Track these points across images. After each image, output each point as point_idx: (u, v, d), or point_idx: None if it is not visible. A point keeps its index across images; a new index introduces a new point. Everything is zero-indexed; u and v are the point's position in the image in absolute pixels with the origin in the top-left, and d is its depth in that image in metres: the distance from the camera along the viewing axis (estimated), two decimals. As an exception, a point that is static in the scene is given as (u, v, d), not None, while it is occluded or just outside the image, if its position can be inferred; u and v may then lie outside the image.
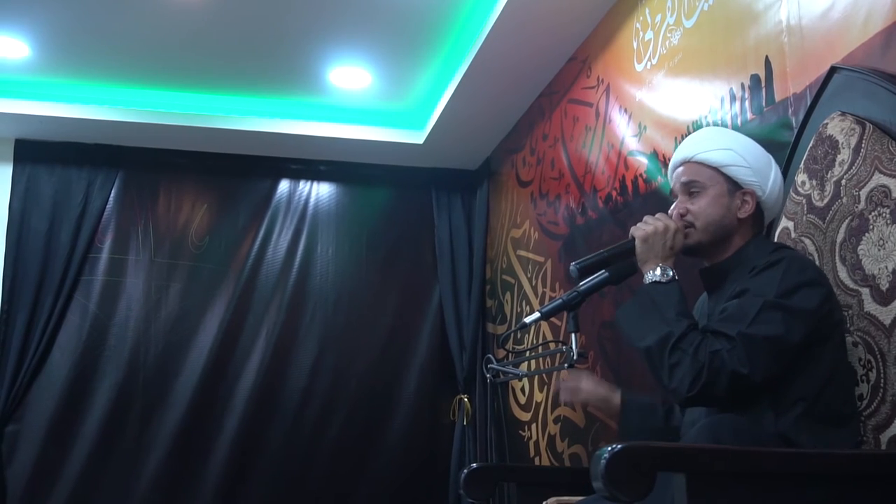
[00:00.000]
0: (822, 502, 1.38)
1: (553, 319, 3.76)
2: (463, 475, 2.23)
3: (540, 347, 3.79)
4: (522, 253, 4.38)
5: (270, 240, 4.91)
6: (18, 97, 4.40)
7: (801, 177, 2.00)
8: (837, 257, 1.83)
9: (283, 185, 5.02)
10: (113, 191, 4.77)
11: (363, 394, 4.81)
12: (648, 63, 3.10)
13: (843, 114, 1.91)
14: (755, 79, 2.43)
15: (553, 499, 2.13)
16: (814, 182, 1.95)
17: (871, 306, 1.72)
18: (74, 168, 4.71)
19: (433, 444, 4.84)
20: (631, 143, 3.21)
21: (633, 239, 1.86)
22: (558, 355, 3.53)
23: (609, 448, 1.26)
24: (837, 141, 1.89)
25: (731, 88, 2.55)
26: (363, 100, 4.57)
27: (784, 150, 2.14)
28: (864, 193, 1.78)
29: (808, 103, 2.09)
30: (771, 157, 1.92)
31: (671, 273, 1.77)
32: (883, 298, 1.69)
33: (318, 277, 4.93)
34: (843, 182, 1.85)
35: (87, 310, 4.61)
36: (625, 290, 2.17)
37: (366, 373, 4.84)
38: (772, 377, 1.61)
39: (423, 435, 4.83)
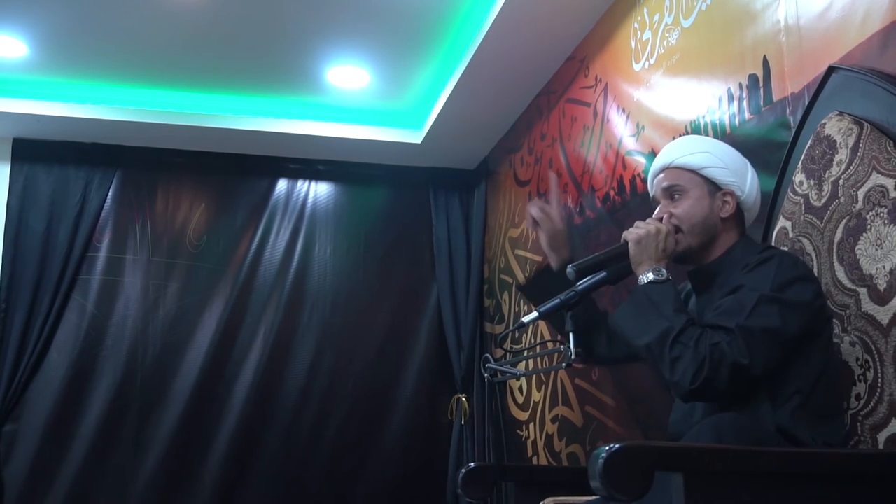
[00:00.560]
0: (820, 501, 1.38)
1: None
2: (461, 475, 2.23)
3: (538, 347, 3.79)
4: (520, 252, 4.38)
5: (268, 239, 4.91)
6: (16, 96, 4.40)
7: (798, 176, 2.01)
8: (835, 257, 1.83)
9: (281, 185, 5.02)
10: (111, 190, 4.76)
11: (361, 393, 4.81)
12: (646, 63, 3.10)
13: (841, 114, 1.91)
14: (753, 78, 2.43)
15: (551, 499, 2.13)
16: (811, 182, 1.96)
17: (868, 306, 1.72)
18: (72, 167, 4.71)
19: (431, 443, 4.84)
20: (629, 142, 3.21)
21: (626, 242, 1.88)
22: (556, 355, 3.53)
23: (607, 448, 1.27)
24: (835, 141, 1.90)
25: (729, 88, 2.55)
26: (361, 99, 4.56)
27: (782, 149, 2.15)
28: (861, 193, 1.78)
29: (806, 103, 2.09)
30: (747, 160, 1.97)
31: (665, 273, 1.81)
32: (880, 298, 1.70)
33: (316, 277, 4.92)
34: (841, 182, 1.85)
35: (85, 309, 4.60)
36: (622, 290, 2.17)
37: (364, 372, 4.84)
38: (770, 369, 1.64)
39: (421, 434, 4.83)
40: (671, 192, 1.91)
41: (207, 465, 4.56)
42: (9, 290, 4.49)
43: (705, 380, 1.60)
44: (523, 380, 4.17)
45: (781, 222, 2.05)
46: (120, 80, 4.37)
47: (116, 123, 4.51)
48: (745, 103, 2.47)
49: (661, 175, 1.95)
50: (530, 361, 3.75)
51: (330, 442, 4.72)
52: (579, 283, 1.96)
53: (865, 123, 1.83)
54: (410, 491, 4.75)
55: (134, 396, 4.57)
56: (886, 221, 1.70)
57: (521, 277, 4.35)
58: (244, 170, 4.96)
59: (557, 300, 1.95)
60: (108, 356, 4.58)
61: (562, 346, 1.99)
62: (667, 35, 2.95)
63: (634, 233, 1.87)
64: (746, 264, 1.75)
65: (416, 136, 4.79)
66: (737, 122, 2.50)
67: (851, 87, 1.93)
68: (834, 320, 1.80)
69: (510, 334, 4.01)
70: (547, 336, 3.85)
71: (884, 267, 1.69)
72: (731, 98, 2.54)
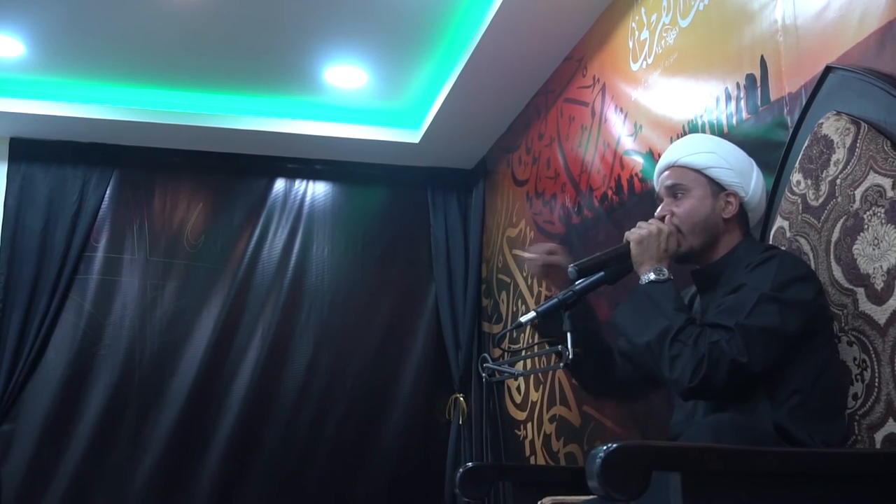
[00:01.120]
0: (817, 501, 1.39)
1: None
2: (458, 474, 2.23)
3: (535, 347, 3.79)
4: (518, 252, 4.38)
5: (266, 239, 4.91)
6: (13, 96, 4.39)
7: (796, 176, 2.01)
8: (832, 257, 1.84)
9: (279, 185, 5.01)
10: (108, 189, 4.76)
11: (359, 393, 4.81)
12: (644, 62, 3.10)
13: (839, 113, 1.92)
14: (750, 78, 2.43)
15: (549, 498, 2.13)
16: (809, 181, 1.96)
17: (865, 306, 1.73)
18: (70, 167, 4.71)
19: (429, 443, 4.84)
20: (627, 142, 3.22)
21: (629, 242, 1.88)
22: (554, 355, 3.53)
23: (604, 447, 1.27)
24: (832, 140, 1.90)
25: (727, 88, 2.55)
26: (359, 99, 4.56)
27: (779, 149, 2.15)
28: (858, 193, 1.78)
29: (804, 103, 2.09)
30: (752, 160, 1.97)
31: (666, 273, 1.81)
32: (878, 298, 1.70)
33: (313, 277, 4.92)
34: (838, 181, 1.85)
35: (83, 309, 4.60)
36: (620, 289, 2.17)
37: (362, 372, 4.84)
38: (769, 368, 1.65)
39: (419, 434, 4.83)
40: (674, 191, 1.92)
41: (205, 465, 4.56)
42: (6, 289, 4.49)
43: (704, 377, 1.61)
44: (521, 379, 4.17)
45: (779, 222, 2.05)
46: (117, 79, 4.37)
47: (114, 123, 4.51)
48: (742, 103, 2.47)
49: (666, 173, 1.95)
50: (528, 361, 3.75)
51: (328, 441, 4.72)
52: (577, 282, 1.96)
53: (863, 123, 1.83)
54: (408, 490, 4.75)
55: (132, 396, 4.56)
56: (884, 221, 1.70)
57: (518, 277, 4.35)
58: (242, 169, 4.96)
59: (555, 299, 1.95)
60: (106, 356, 4.57)
61: (559, 346, 1.99)
62: (664, 35, 2.95)
63: (636, 233, 1.87)
64: (749, 263, 1.76)
65: (413, 136, 4.79)
66: (734, 121, 2.51)
67: (849, 86, 1.93)
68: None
69: (508, 334, 4.01)
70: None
71: (881, 266, 1.70)
72: (728, 98, 2.54)
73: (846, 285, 1.78)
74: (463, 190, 5.17)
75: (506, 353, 4.26)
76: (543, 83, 4.09)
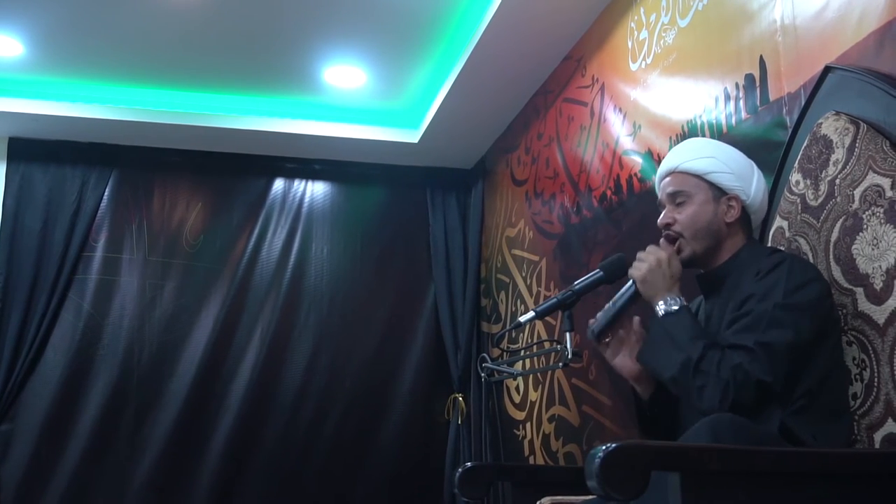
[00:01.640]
0: (816, 501, 1.38)
1: (548, 318, 3.77)
2: (457, 474, 2.23)
3: (535, 346, 3.80)
4: (517, 252, 4.38)
5: (265, 239, 4.91)
6: (12, 95, 4.39)
7: (795, 176, 2.01)
8: (832, 256, 1.84)
9: (278, 184, 5.01)
10: (107, 189, 4.75)
11: (358, 393, 4.80)
12: (643, 62, 3.10)
13: (838, 113, 1.92)
14: (749, 78, 2.43)
15: (548, 498, 2.13)
16: (808, 181, 1.96)
17: (865, 305, 1.73)
18: (68, 166, 4.70)
19: (428, 442, 4.83)
20: (626, 142, 3.22)
21: (633, 282, 1.90)
22: (553, 354, 3.53)
23: (603, 447, 1.26)
24: (832, 140, 1.90)
25: (726, 88, 2.55)
26: (358, 99, 4.56)
27: (778, 149, 2.15)
28: (858, 193, 1.78)
29: (803, 103, 2.09)
30: (753, 162, 1.97)
31: (679, 301, 1.81)
32: (877, 298, 1.70)
33: (312, 276, 4.92)
34: (838, 181, 1.85)
35: (82, 308, 4.59)
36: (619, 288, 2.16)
37: (361, 371, 4.84)
38: (786, 379, 1.66)
39: (418, 434, 4.83)
40: (676, 198, 1.92)
41: (204, 464, 4.55)
42: (5, 289, 4.48)
43: (733, 402, 1.62)
44: (520, 379, 4.17)
45: (778, 222, 2.05)
46: (116, 79, 4.36)
47: (113, 123, 4.50)
48: (741, 103, 2.47)
49: (667, 179, 1.96)
50: (527, 361, 3.75)
51: (327, 441, 4.71)
52: (576, 282, 1.97)
53: (862, 123, 1.84)
54: (407, 490, 4.75)
55: (131, 396, 4.56)
56: (883, 221, 1.70)
57: (517, 277, 4.35)
58: (241, 169, 4.96)
59: (555, 300, 1.96)
60: (105, 355, 4.57)
61: (558, 346, 1.99)
62: (663, 35, 2.95)
63: (638, 269, 1.87)
64: (758, 270, 1.76)
65: (412, 136, 4.78)
66: (733, 121, 2.51)
67: (848, 86, 1.93)
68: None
69: (507, 334, 4.01)
70: (544, 335, 3.85)
71: (880, 266, 1.70)
72: (727, 98, 2.54)
73: (845, 285, 1.78)
74: (462, 190, 5.17)
75: (505, 353, 4.26)
76: (542, 83, 4.09)
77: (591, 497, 1.77)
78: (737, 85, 2.49)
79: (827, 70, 2.01)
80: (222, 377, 4.67)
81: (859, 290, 1.74)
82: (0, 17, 3.78)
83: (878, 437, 1.68)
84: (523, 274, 4.26)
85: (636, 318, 1.97)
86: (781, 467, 1.37)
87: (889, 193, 1.70)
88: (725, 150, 1.96)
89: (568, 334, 1.97)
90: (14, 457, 4.36)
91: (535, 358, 3.71)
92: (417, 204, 5.13)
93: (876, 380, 1.68)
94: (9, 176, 4.64)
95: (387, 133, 4.80)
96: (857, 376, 1.73)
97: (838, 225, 1.83)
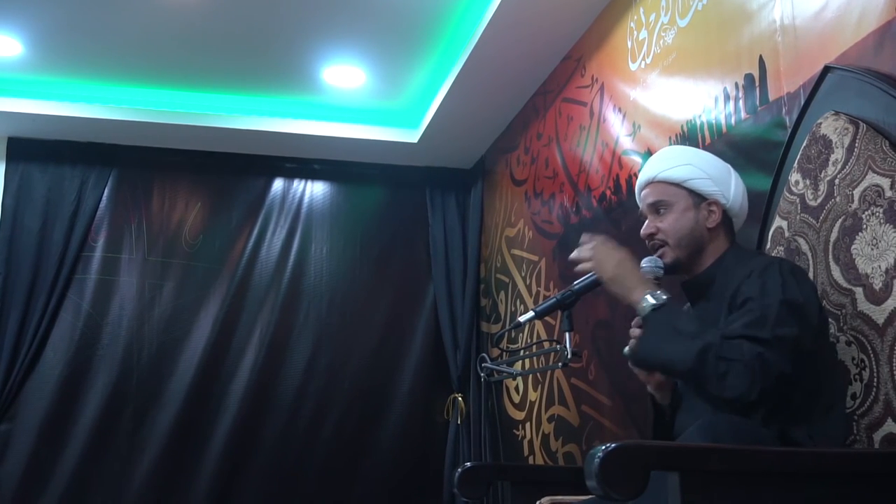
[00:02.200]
0: (816, 501, 1.38)
1: (547, 318, 3.77)
2: (457, 474, 2.23)
3: (534, 346, 3.80)
4: (517, 252, 4.38)
5: (264, 239, 4.91)
6: (11, 95, 4.39)
7: (794, 176, 2.01)
8: (831, 256, 1.84)
9: (278, 184, 5.01)
10: (106, 189, 4.75)
11: (357, 393, 4.80)
12: (643, 62, 3.10)
13: (837, 113, 1.92)
14: (749, 78, 2.43)
15: (547, 498, 2.13)
16: (807, 181, 1.96)
17: (864, 305, 1.73)
18: (68, 166, 4.70)
19: (427, 442, 4.83)
20: (625, 142, 3.22)
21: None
22: (552, 354, 3.53)
23: (603, 447, 1.26)
24: (831, 140, 1.90)
25: (725, 88, 2.55)
26: (357, 98, 4.56)
27: (778, 149, 2.15)
28: (857, 193, 1.78)
29: (802, 103, 2.09)
30: (729, 166, 1.97)
31: (663, 295, 1.78)
32: (876, 298, 1.70)
33: (312, 276, 4.92)
34: (837, 181, 1.85)
35: (81, 308, 4.59)
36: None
37: (360, 372, 4.83)
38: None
39: (418, 434, 4.83)
40: (657, 207, 1.93)
41: (204, 464, 4.55)
42: (4, 289, 4.48)
43: (761, 390, 1.59)
44: (520, 379, 4.17)
45: (777, 222, 2.05)
46: (115, 79, 4.36)
47: (112, 122, 4.50)
48: (741, 103, 2.47)
49: (647, 190, 1.96)
50: (526, 361, 3.75)
51: (326, 441, 4.71)
52: (575, 282, 1.97)
53: (861, 123, 1.84)
54: (407, 490, 4.75)
55: (130, 396, 4.56)
56: (882, 221, 1.70)
57: (517, 276, 4.35)
58: (240, 169, 4.96)
59: (554, 300, 1.96)
60: (104, 355, 4.57)
61: (558, 346, 1.99)
62: (663, 34, 2.95)
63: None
64: (750, 272, 1.75)
65: (412, 136, 4.78)
66: (733, 121, 2.51)
67: (847, 86, 1.93)
68: (830, 320, 1.80)
69: (506, 334, 4.01)
70: (543, 335, 3.85)
71: (879, 266, 1.70)
72: (727, 98, 2.54)
73: (845, 285, 1.78)
74: (461, 190, 5.17)
75: (504, 353, 4.25)
76: (542, 83, 4.09)
77: (590, 497, 1.77)
78: (736, 85, 2.49)
79: (826, 70, 2.01)
80: (221, 377, 4.67)
81: (858, 290, 1.74)
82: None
83: (877, 436, 1.68)
84: (523, 274, 4.26)
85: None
86: (780, 467, 1.37)
87: (888, 193, 1.70)
88: (701, 156, 1.97)
89: (567, 334, 1.97)
90: (13, 456, 4.36)
91: (535, 358, 3.71)
92: (417, 204, 5.13)
93: (875, 380, 1.68)
94: (8, 176, 4.64)
95: (386, 133, 4.80)
96: (857, 376, 1.73)
97: (838, 225, 1.83)
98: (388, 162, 5.05)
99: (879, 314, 1.68)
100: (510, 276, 4.45)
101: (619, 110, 3.28)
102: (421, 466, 4.79)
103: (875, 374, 1.69)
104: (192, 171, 4.91)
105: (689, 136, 2.75)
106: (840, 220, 1.82)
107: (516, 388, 4.25)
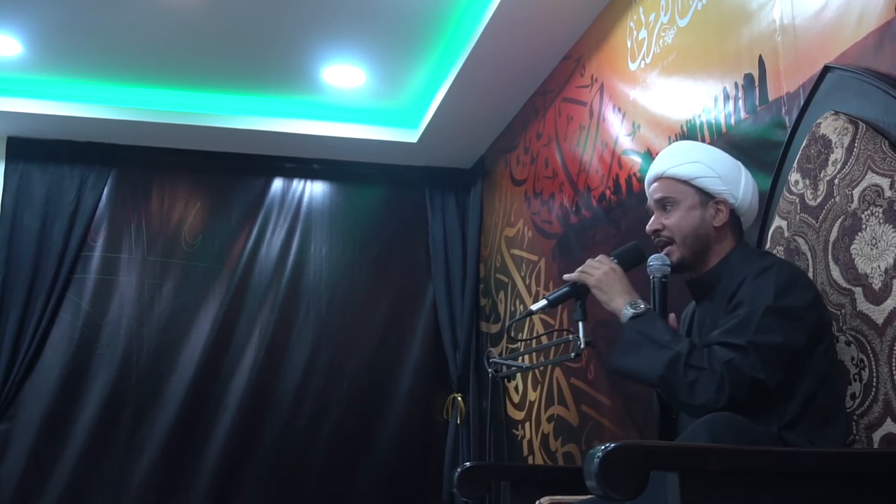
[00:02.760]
0: (815, 500, 1.38)
1: (545, 317, 3.77)
2: (456, 474, 2.23)
3: (543, 337, 3.76)
4: (516, 252, 4.38)
5: (264, 238, 4.91)
6: (11, 95, 4.39)
7: (794, 176, 2.01)
8: (830, 256, 1.83)
9: (277, 184, 5.01)
10: (106, 189, 4.76)
11: (357, 392, 4.80)
12: (642, 62, 3.10)
13: (837, 113, 1.92)
14: (749, 78, 2.43)
15: (546, 498, 2.13)
16: (807, 181, 1.96)
17: (863, 305, 1.73)
18: (67, 166, 4.70)
19: (427, 442, 4.84)
20: (625, 142, 3.21)
21: (580, 284, 1.93)
22: (553, 350, 3.53)
23: (602, 447, 1.26)
24: (830, 140, 1.90)
25: (725, 87, 2.55)
26: (357, 98, 4.56)
27: (777, 149, 2.15)
28: (857, 193, 1.78)
29: (802, 102, 2.09)
30: (740, 164, 1.96)
31: (643, 304, 1.81)
32: (875, 298, 1.70)
33: (311, 276, 4.92)
34: (836, 181, 1.85)
35: (80, 308, 4.59)
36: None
37: (359, 371, 4.84)
38: (782, 382, 1.65)
39: (417, 434, 4.83)
40: (663, 204, 1.92)
41: (203, 464, 4.55)
42: (3, 288, 4.48)
43: (729, 396, 1.61)
44: (520, 379, 4.17)
45: (777, 222, 2.05)
46: (115, 78, 4.36)
47: (111, 122, 4.50)
48: (740, 103, 2.47)
49: (655, 185, 1.96)
50: (533, 355, 3.75)
51: (326, 441, 4.71)
52: (556, 289, 1.97)
53: (861, 123, 1.83)
54: (406, 490, 4.75)
55: (129, 395, 4.56)
56: (881, 221, 1.70)
57: (517, 276, 4.35)
58: (240, 169, 4.96)
59: (568, 288, 1.95)
60: (104, 355, 4.57)
61: (570, 336, 1.97)
62: (662, 34, 2.95)
63: (592, 277, 1.89)
64: (745, 276, 1.75)
65: (411, 136, 4.78)
66: (732, 121, 2.51)
67: (847, 86, 1.93)
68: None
69: (512, 327, 4.01)
70: (544, 338, 3.85)
71: (879, 266, 1.70)
72: (726, 97, 2.54)
73: (844, 285, 1.78)
74: (461, 189, 5.17)
75: (505, 350, 4.26)
76: (541, 83, 4.09)
77: (590, 497, 1.77)
78: (736, 84, 2.49)
79: (826, 70, 2.01)
80: (221, 377, 4.67)
81: (858, 290, 1.74)
82: (-1, 16, 3.79)
83: (876, 436, 1.67)
84: (522, 274, 4.26)
85: (671, 315, 1.96)
86: (780, 467, 1.37)
87: (888, 193, 1.70)
88: (712, 154, 1.96)
89: (581, 324, 1.96)
90: (12, 456, 4.37)
91: (541, 353, 3.72)
92: (416, 204, 5.13)
93: (874, 380, 1.68)
94: (7, 175, 4.64)
95: (386, 133, 4.80)
96: (856, 376, 1.73)
97: (837, 225, 1.82)
98: (388, 162, 5.05)
99: (879, 314, 1.68)
100: (510, 275, 4.45)
101: (619, 110, 3.28)
102: (420, 466, 4.79)
103: (874, 374, 1.68)
104: (192, 171, 4.91)
105: (688, 136, 2.75)
106: (839, 220, 1.82)
107: (516, 388, 4.25)
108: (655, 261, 1.90)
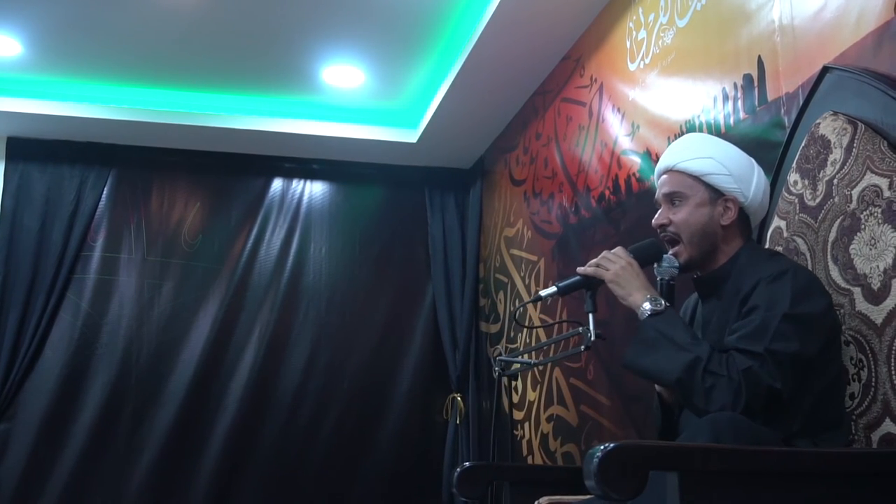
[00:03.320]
0: (815, 501, 1.38)
1: (544, 316, 3.77)
2: (456, 474, 2.23)
3: (554, 329, 3.73)
4: (516, 252, 4.38)
5: (264, 238, 4.91)
6: (10, 95, 4.39)
7: (793, 176, 2.01)
8: (829, 257, 1.84)
9: (277, 184, 5.01)
10: (105, 189, 4.76)
11: (356, 392, 4.81)
12: (641, 62, 3.11)
13: (835, 113, 1.92)
14: (748, 78, 2.43)
15: (546, 498, 2.13)
16: (806, 181, 1.96)
17: (862, 305, 1.73)
18: (67, 166, 4.70)
19: (426, 442, 4.84)
20: (624, 142, 3.22)
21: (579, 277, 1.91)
22: (551, 348, 3.53)
23: (602, 447, 1.26)
24: (829, 140, 1.90)
25: (724, 88, 2.55)
26: (356, 98, 4.56)
27: (776, 149, 2.15)
28: (855, 193, 1.79)
29: (801, 103, 2.09)
30: (753, 161, 1.94)
31: (662, 301, 1.78)
32: (874, 298, 1.70)
33: (311, 276, 4.92)
34: (835, 181, 1.85)
35: (80, 308, 4.59)
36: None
37: (359, 371, 4.84)
38: (795, 389, 1.64)
39: (416, 434, 4.83)
40: (671, 198, 1.89)
41: (203, 464, 4.56)
42: (3, 288, 4.49)
43: (745, 404, 1.59)
44: (519, 378, 4.17)
45: (776, 222, 2.05)
46: (114, 79, 4.36)
47: (111, 122, 4.50)
48: (739, 103, 2.47)
49: (664, 177, 1.92)
50: (536, 354, 3.75)
51: (325, 440, 4.72)
52: (567, 278, 1.96)
53: (860, 123, 1.84)
54: (405, 489, 4.75)
55: (129, 395, 4.56)
56: (880, 221, 1.71)
57: (516, 276, 4.35)
58: (239, 169, 4.96)
59: (579, 277, 1.91)
60: (103, 355, 4.57)
61: (581, 329, 1.95)
62: (662, 35, 2.96)
63: (609, 271, 1.85)
64: (761, 278, 1.72)
65: (411, 136, 4.78)
66: (731, 121, 2.51)
67: (846, 86, 1.93)
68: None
69: (511, 328, 4.01)
70: (543, 338, 3.85)
71: (878, 266, 1.70)
72: (725, 98, 2.55)
73: (843, 285, 1.79)
74: (460, 190, 5.17)
75: (503, 353, 4.25)
76: (541, 83, 4.09)
77: (589, 497, 1.77)
78: (735, 85, 2.50)
79: (825, 70, 2.01)
80: (221, 377, 4.68)
81: (857, 290, 1.75)
82: (-2, 16, 3.79)
83: (875, 436, 1.68)
84: (522, 274, 4.26)
85: None
86: (780, 467, 1.37)
87: (887, 193, 1.70)
88: (725, 150, 1.91)
89: (591, 315, 1.93)
90: (12, 456, 4.37)
91: (542, 353, 3.72)
92: (416, 204, 5.13)
93: (874, 380, 1.69)
94: (7, 175, 4.65)
95: (385, 133, 4.80)
96: (855, 376, 1.73)
97: (836, 225, 1.83)
98: (387, 162, 5.06)
99: (878, 314, 1.69)
100: (509, 276, 4.45)
101: (618, 110, 3.28)
102: (420, 466, 4.79)
103: (873, 374, 1.69)
104: (191, 171, 4.91)
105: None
106: (838, 220, 1.82)
107: (515, 388, 4.25)
108: (664, 262, 1.88)
